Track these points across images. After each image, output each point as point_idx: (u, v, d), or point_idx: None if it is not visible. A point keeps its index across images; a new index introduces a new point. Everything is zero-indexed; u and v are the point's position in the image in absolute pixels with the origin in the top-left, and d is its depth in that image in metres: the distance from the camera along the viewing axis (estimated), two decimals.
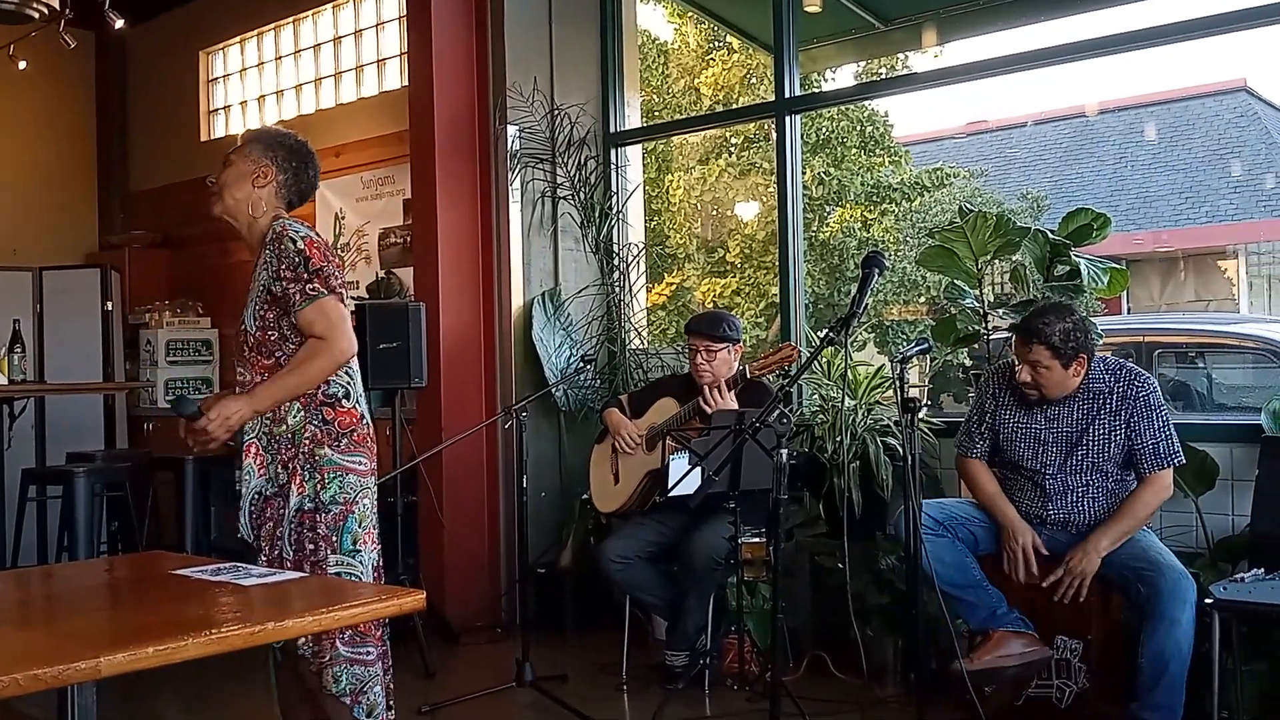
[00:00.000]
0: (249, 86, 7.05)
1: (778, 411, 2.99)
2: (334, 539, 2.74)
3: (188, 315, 6.88)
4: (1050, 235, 3.95)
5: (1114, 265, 3.98)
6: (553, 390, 5.03)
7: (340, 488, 2.76)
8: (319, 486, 2.74)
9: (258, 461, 2.78)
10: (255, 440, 2.79)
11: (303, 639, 2.71)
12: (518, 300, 5.26)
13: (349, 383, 2.82)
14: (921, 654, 3.20)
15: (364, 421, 2.83)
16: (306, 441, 2.74)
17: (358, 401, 2.84)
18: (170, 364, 6.74)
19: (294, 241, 2.71)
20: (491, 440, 5.25)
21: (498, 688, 3.98)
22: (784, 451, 2.84)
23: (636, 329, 5.46)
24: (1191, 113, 14.60)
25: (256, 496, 2.78)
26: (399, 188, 5.73)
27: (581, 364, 4.72)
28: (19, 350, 5.27)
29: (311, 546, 2.73)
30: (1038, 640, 3.34)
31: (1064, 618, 3.33)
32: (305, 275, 2.68)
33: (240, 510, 2.81)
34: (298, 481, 2.74)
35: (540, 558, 4.98)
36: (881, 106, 12.76)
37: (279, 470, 2.76)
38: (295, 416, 2.75)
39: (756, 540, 4.06)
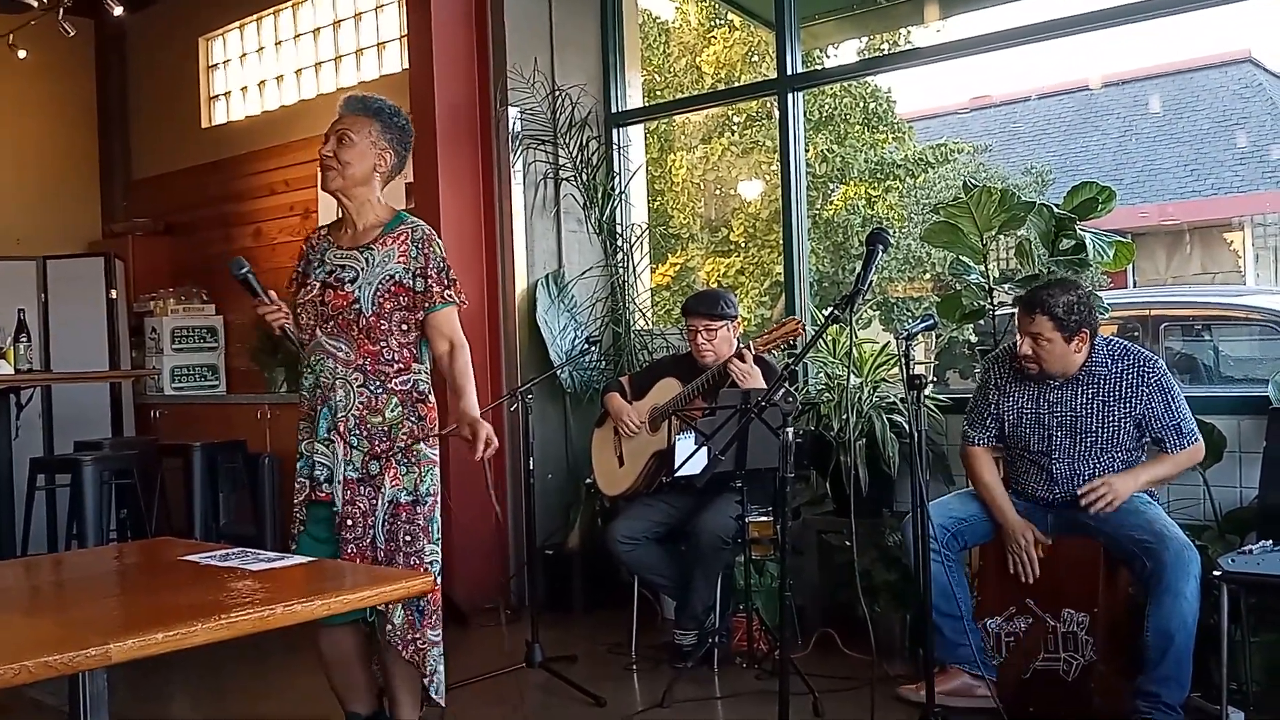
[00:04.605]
0: (249, 72, 7.02)
1: (783, 390, 2.99)
2: (429, 529, 2.92)
3: (192, 302, 6.88)
4: (1055, 209, 3.93)
5: (1119, 239, 3.96)
6: (558, 372, 5.03)
7: (432, 480, 2.93)
8: (418, 480, 2.90)
9: (342, 443, 2.88)
10: (344, 420, 2.87)
11: (390, 625, 2.82)
12: (521, 283, 5.26)
13: (428, 379, 2.99)
14: (930, 630, 3.20)
15: (436, 415, 3.00)
16: (404, 436, 2.89)
17: (433, 396, 3.00)
18: (176, 351, 6.74)
19: (440, 248, 2.96)
20: (497, 423, 5.25)
21: (508, 669, 3.99)
22: (790, 430, 2.84)
23: (641, 310, 5.45)
24: (1196, 85, 14.51)
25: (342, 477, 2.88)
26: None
27: (586, 345, 4.71)
28: (24, 339, 5.28)
29: (409, 538, 2.87)
30: (992, 688, 3.31)
31: (1071, 591, 3.33)
32: (446, 281, 2.94)
33: (335, 489, 2.88)
34: (393, 474, 2.87)
35: (548, 539, 5.00)
36: (884, 82, 12.71)
37: (367, 459, 2.87)
38: (393, 410, 2.89)
39: (764, 519, 4.07)
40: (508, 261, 5.24)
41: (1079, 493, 3.33)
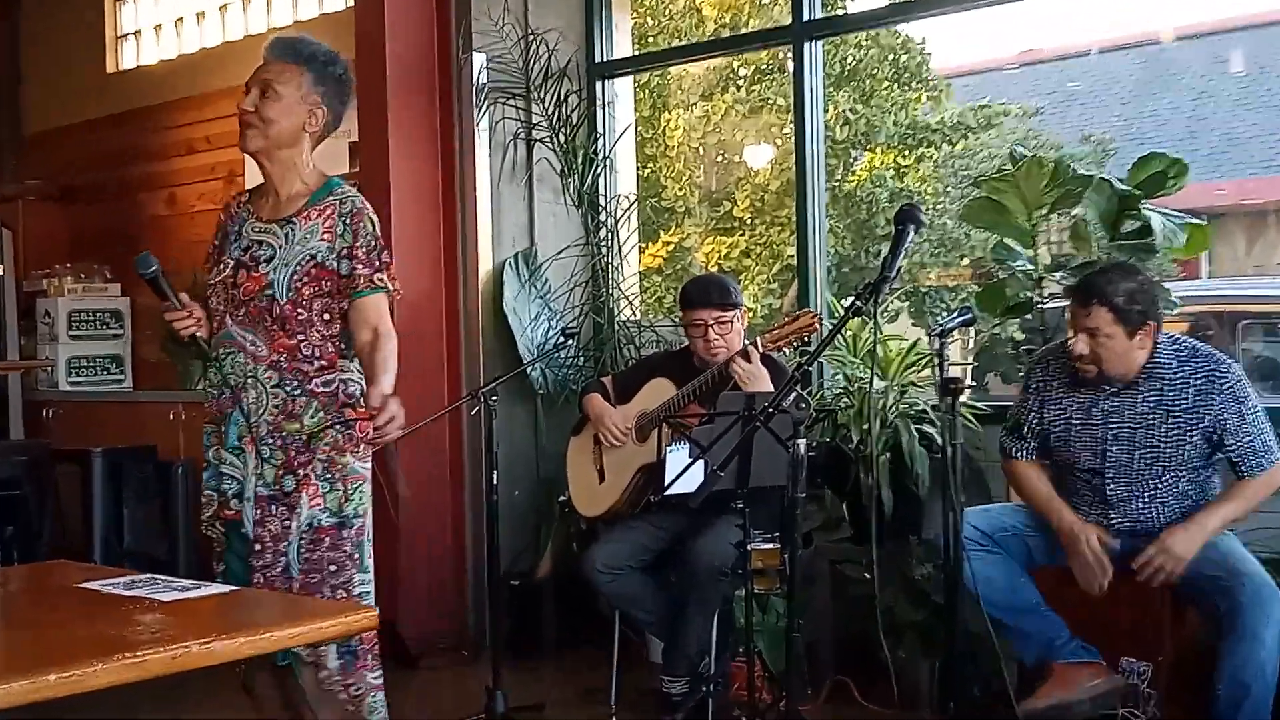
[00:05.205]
0: (164, 7, 7.00)
1: (794, 394, 3.00)
2: (357, 556, 2.90)
3: (94, 281, 6.86)
4: (1117, 185, 3.96)
5: (1192, 220, 3.99)
6: (528, 370, 5.03)
7: (360, 499, 2.93)
8: (343, 498, 2.89)
9: (253, 453, 2.87)
10: (255, 426, 2.87)
11: (325, 670, 2.82)
12: (486, 263, 5.25)
13: (360, 380, 2.97)
14: (962, 679, 3.22)
15: (370, 425, 2.94)
16: (326, 447, 2.88)
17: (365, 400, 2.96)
18: (73, 338, 6.72)
19: (373, 224, 2.94)
20: (455, 429, 5.25)
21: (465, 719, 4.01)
22: (801, 441, 2.85)
23: (627, 297, 5.46)
24: None
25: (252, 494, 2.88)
26: (343, 129, 5.69)
27: (562, 338, 4.72)
28: None
29: (334, 567, 2.87)
30: (1104, 669, 3.35)
31: (1130, 637, 3.35)
32: (377, 264, 2.92)
33: (244, 506, 2.88)
34: (311, 491, 2.86)
35: (513, 567, 5.00)
36: (918, 32, 12.71)
37: (281, 474, 2.86)
38: (313, 416, 2.88)
39: (769, 546, 4.07)
40: (470, 237, 5.24)
41: (1134, 565, 3.35)
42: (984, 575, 3.29)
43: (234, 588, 2.48)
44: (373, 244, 2.92)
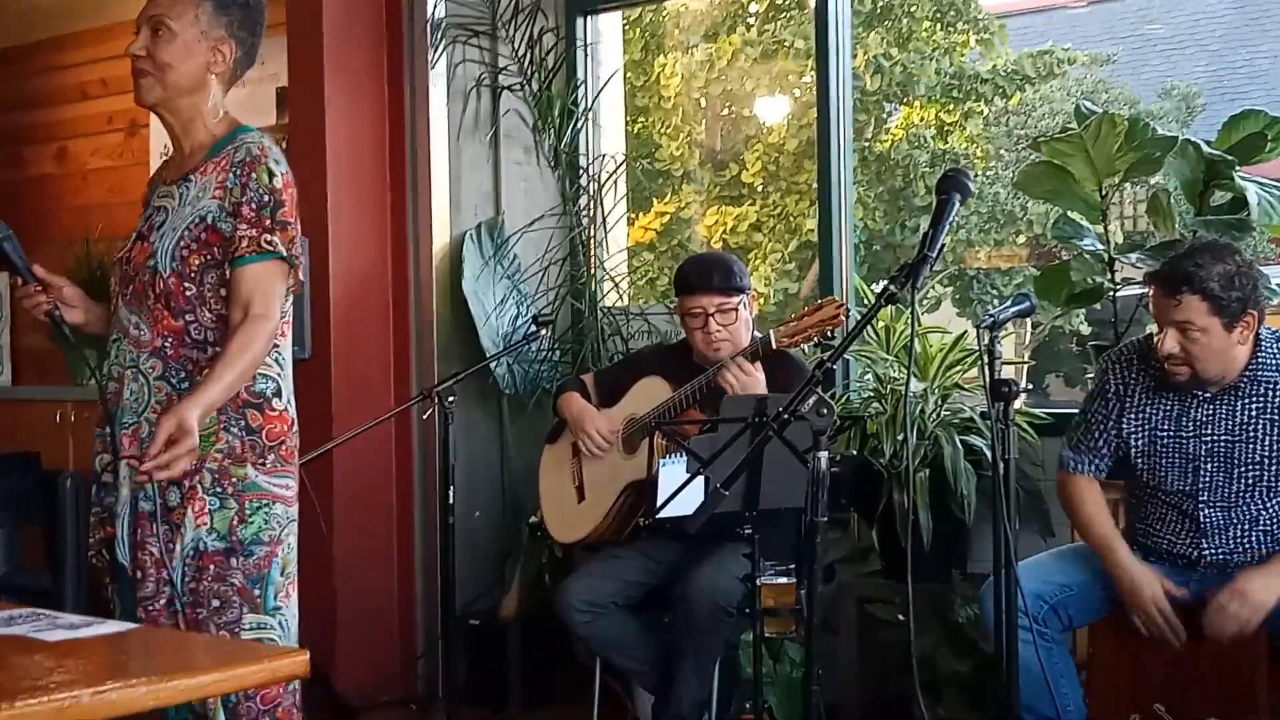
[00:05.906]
0: None
1: (815, 398, 2.99)
2: (254, 593, 2.84)
3: None
4: (1206, 148, 3.97)
5: None
6: (492, 365, 5.03)
7: (265, 522, 2.86)
8: (236, 520, 2.83)
9: (136, 458, 2.82)
10: (135, 426, 2.85)
11: None
12: (442, 235, 5.25)
13: (280, 374, 2.93)
14: None
15: (294, 430, 2.95)
16: (219, 456, 2.83)
17: (289, 401, 2.94)
18: None
19: (270, 175, 2.85)
20: (404, 437, 5.25)
21: None
22: (823, 455, 2.85)
23: (613, 278, 5.47)
24: None
25: (130, 510, 2.84)
26: (269, 72, 5.68)
27: (533, 327, 4.72)
28: None
29: (218, 602, 2.82)
30: None
31: (1219, 691, 3.36)
32: (268, 223, 2.82)
33: (117, 525, 2.86)
34: (197, 507, 2.81)
35: (474, 604, 5.00)
36: None
37: (165, 485, 2.81)
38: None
39: (783, 581, 4.08)
40: (422, 204, 5.23)
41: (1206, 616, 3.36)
42: (1025, 664, 3.23)
43: (133, 625, 2.47)
44: (264, 199, 2.83)
